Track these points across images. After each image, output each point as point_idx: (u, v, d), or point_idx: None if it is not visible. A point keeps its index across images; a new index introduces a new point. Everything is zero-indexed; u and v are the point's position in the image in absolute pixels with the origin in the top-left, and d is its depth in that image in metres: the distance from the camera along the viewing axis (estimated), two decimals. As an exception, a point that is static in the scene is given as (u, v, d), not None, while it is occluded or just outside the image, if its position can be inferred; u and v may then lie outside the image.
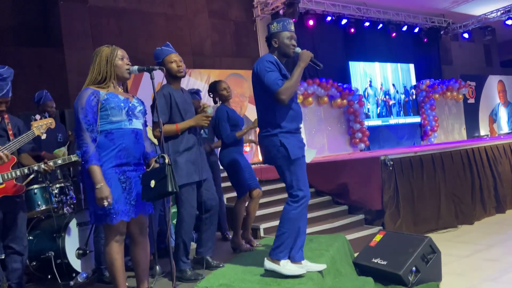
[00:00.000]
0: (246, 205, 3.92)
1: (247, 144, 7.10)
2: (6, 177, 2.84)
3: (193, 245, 3.41)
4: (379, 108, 11.11)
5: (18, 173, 2.88)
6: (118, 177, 2.42)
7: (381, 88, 11.24)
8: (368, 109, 10.85)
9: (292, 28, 2.97)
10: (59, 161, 3.02)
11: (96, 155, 2.36)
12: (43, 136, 3.07)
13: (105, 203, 2.31)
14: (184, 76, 3.20)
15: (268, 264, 2.86)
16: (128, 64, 2.55)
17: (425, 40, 11.87)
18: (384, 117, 11.13)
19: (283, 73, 2.89)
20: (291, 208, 2.83)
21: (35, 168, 2.93)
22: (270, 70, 2.81)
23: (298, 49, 2.92)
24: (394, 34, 10.91)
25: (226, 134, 3.79)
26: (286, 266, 2.80)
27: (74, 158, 3.10)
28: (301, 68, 2.86)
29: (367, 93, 10.90)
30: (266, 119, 2.91)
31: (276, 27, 2.93)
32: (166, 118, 3.03)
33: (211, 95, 4.03)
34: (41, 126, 2.99)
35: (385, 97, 11.28)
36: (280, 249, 2.83)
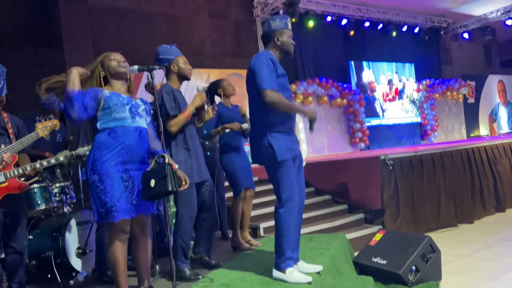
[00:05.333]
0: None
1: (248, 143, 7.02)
2: (8, 175, 2.84)
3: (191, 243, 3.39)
4: (380, 107, 11.11)
5: (20, 171, 2.87)
6: (121, 176, 2.43)
7: (382, 88, 11.24)
8: (373, 108, 10.86)
9: (290, 26, 2.94)
10: (45, 163, 2.99)
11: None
12: (47, 138, 3.07)
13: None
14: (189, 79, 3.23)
15: (275, 273, 2.81)
16: (120, 61, 2.57)
17: (425, 40, 11.87)
18: (384, 117, 11.12)
19: (281, 72, 2.82)
20: (279, 214, 2.77)
21: (28, 168, 2.91)
22: (269, 69, 2.72)
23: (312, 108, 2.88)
24: (394, 32, 10.90)
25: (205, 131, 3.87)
26: (291, 275, 2.75)
27: (61, 158, 3.08)
28: (301, 111, 2.82)
29: (368, 92, 10.90)
30: (257, 117, 2.84)
31: (279, 23, 2.84)
32: (177, 111, 3.02)
33: (209, 96, 4.00)
34: (45, 127, 2.98)
35: (385, 96, 11.27)
36: (282, 259, 2.77)
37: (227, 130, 3.75)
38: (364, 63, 10.90)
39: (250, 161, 3.82)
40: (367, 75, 10.94)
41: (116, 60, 2.56)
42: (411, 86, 11.76)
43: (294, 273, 2.77)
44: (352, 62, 10.64)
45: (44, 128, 2.97)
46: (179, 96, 3.13)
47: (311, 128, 2.85)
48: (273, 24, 2.86)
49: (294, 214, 2.79)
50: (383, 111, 11.12)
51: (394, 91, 11.44)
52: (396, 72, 11.54)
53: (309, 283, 2.74)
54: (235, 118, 3.86)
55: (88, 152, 2.75)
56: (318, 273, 2.92)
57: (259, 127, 2.83)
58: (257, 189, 5.10)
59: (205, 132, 4.48)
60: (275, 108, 2.74)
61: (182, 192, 2.95)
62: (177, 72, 3.15)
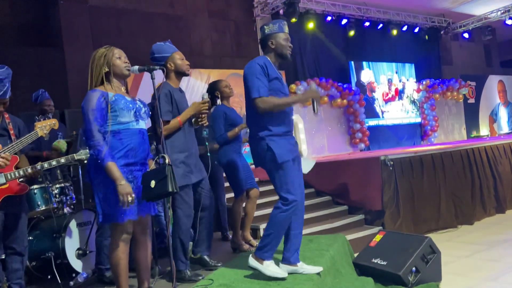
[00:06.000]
0: (243, 205, 3.92)
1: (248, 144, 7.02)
2: (9, 177, 2.83)
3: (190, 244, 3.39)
4: (379, 108, 11.11)
5: (21, 172, 2.87)
6: (126, 176, 2.43)
7: (381, 88, 11.24)
8: (373, 109, 10.86)
9: (287, 29, 2.93)
10: (46, 165, 2.98)
11: (110, 153, 2.38)
12: (46, 137, 3.06)
13: (129, 199, 2.33)
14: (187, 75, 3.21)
15: (252, 261, 2.84)
16: (125, 62, 2.56)
17: (425, 40, 11.87)
18: (383, 117, 11.13)
19: (274, 75, 2.84)
20: (280, 210, 2.79)
21: (29, 170, 2.90)
22: (258, 76, 2.77)
23: (313, 85, 2.88)
24: (395, 31, 10.89)
25: (219, 134, 3.79)
26: (269, 267, 2.79)
27: (62, 160, 3.09)
28: (297, 99, 2.82)
29: (367, 93, 10.90)
30: (254, 122, 2.87)
31: (272, 28, 2.88)
32: (170, 117, 3.02)
33: (210, 97, 4.01)
34: (44, 127, 2.98)
35: (385, 96, 11.27)
36: (265, 249, 2.81)
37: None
38: (364, 63, 10.90)
39: (249, 161, 3.83)
40: (367, 75, 10.93)
41: (121, 59, 2.54)
42: (411, 86, 11.76)
43: (271, 266, 2.80)
44: (352, 63, 10.63)
45: (43, 127, 2.97)
46: (178, 97, 3.12)
47: (314, 109, 2.87)
48: (267, 29, 2.91)
49: (295, 214, 2.82)
50: (382, 112, 11.12)
51: (394, 91, 11.44)
52: (396, 72, 11.54)
53: (283, 279, 2.76)
54: (238, 118, 3.89)
55: (89, 155, 2.74)
56: (318, 274, 2.93)
57: (256, 131, 2.86)
58: (258, 189, 5.11)
59: (205, 132, 4.48)
60: (272, 111, 2.77)
61: (180, 192, 2.97)
62: (174, 70, 3.14)
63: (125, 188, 2.32)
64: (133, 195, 2.35)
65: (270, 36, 2.89)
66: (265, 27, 2.92)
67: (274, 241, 2.81)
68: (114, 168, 2.34)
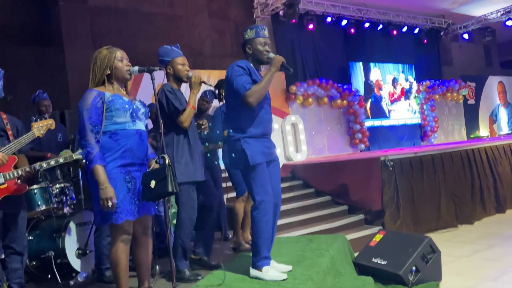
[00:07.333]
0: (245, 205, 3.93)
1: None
2: (8, 177, 2.84)
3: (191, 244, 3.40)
4: (386, 107, 11.13)
5: (20, 172, 2.87)
6: (124, 177, 2.43)
7: (381, 89, 11.25)
8: (381, 107, 10.87)
9: (266, 34, 2.97)
10: (44, 165, 2.99)
11: (100, 155, 2.37)
12: (42, 136, 3.07)
13: (109, 204, 2.31)
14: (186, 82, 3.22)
15: (252, 272, 2.88)
16: (128, 65, 2.56)
17: (425, 41, 11.88)
18: (384, 117, 11.13)
19: (253, 78, 2.87)
20: (253, 215, 2.84)
21: (28, 170, 2.90)
22: (239, 74, 2.81)
23: (271, 55, 2.90)
24: (395, 32, 10.91)
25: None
26: (267, 273, 2.82)
27: (61, 159, 3.09)
28: (271, 72, 2.82)
29: (375, 91, 10.90)
30: (232, 124, 2.93)
31: (250, 34, 2.94)
32: (185, 106, 3.05)
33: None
34: (41, 127, 2.99)
35: (391, 96, 11.28)
36: (258, 258, 2.84)
37: None
38: (364, 64, 10.90)
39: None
40: (375, 73, 10.95)
41: (123, 61, 2.54)
42: (415, 87, 11.79)
43: (270, 271, 2.83)
44: (360, 64, 10.64)
45: (39, 127, 2.98)
46: (180, 95, 3.16)
47: (288, 70, 2.90)
48: (245, 35, 2.98)
49: (269, 216, 2.84)
50: (389, 111, 11.13)
51: (400, 90, 11.45)
52: (402, 72, 11.55)
53: (284, 280, 2.78)
54: None
55: None
56: (290, 271, 2.94)
57: (233, 133, 2.90)
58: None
59: (204, 133, 4.49)
60: (260, 95, 2.78)
61: (183, 191, 2.97)
62: (173, 74, 3.17)
63: (106, 193, 2.31)
64: (114, 201, 2.33)
65: (248, 41, 2.96)
66: (244, 33, 2.99)
67: (262, 246, 2.83)
68: (100, 171, 2.33)
